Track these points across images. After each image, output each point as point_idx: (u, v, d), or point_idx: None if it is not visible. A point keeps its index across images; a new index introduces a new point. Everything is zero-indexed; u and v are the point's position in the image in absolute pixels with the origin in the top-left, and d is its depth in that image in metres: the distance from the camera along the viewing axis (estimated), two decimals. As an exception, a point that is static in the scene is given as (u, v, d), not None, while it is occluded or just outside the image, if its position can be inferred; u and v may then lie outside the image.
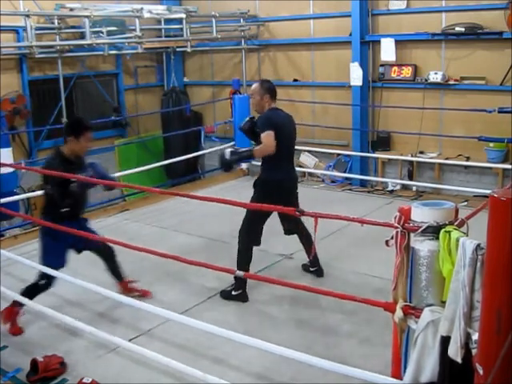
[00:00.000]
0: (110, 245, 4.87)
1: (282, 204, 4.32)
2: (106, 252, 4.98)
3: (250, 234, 5.04)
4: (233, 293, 5.01)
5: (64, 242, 4.55)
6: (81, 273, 5.51)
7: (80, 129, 4.58)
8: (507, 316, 2.03)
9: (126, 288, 5.09)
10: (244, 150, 4.92)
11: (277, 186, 4.90)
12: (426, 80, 8.27)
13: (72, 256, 6.26)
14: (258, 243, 5.09)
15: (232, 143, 4.72)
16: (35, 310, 4.65)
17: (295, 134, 5.35)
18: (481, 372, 2.15)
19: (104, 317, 4.75)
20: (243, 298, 4.99)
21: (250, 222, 5.01)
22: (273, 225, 6.56)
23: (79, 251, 4.89)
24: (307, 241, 5.29)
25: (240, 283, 4.96)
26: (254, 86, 5.11)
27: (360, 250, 6.05)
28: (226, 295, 5.06)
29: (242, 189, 9.05)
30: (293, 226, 5.30)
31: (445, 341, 2.43)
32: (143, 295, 5.07)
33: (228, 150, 4.86)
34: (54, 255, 4.57)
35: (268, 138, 4.76)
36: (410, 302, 2.72)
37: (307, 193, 8.71)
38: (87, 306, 4.94)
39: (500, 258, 2.04)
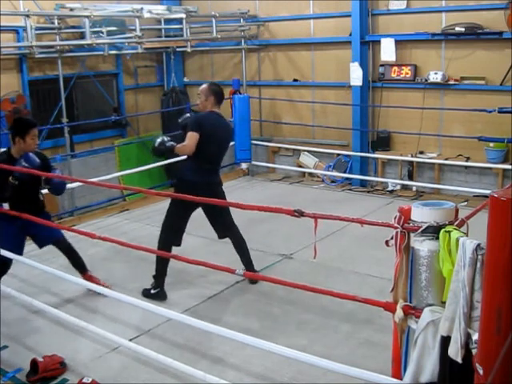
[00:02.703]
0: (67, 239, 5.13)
1: (195, 207, 4.56)
2: (64, 246, 5.16)
3: (168, 233, 5.11)
4: (151, 291, 5.08)
5: (15, 228, 4.72)
6: (81, 273, 5.52)
7: (24, 128, 4.73)
8: (507, 316, 2.03)
9: (90, 279, 5.16)
10: (171, 143, 4.95)
11: (190, 188, 4.61)
12: (426, 80, 8.27)
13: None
14: (177, 243, 5.11)
15: (161, 137, 4.89)
16: (35, 310, 4.66)
17: (227, 142, 5.39)
18: (481, 372, 2.15)
19: (104, 316, 4.75)
20: (162, 296, 5.06)
21: (169, 221, 5.12)
22: (273, 225, 6.58)
23: (40, 245, 5.13)
24: (240, 248, 5.37)
25: (158, 282, 5.06)
26: (203, 86, 5.20)
27: (360, 250, 6.06)
28: (145, 294, 5.10)
29: (241, 189, 9.06)
30: (222, 228, 5.37)
31: (445, 341, 2.43)
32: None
33: (159, 139, 4.98)
34: (7, 240, 4.69)
35: (190, 138, 4.86)
36: (410, 302, 2.72)
37: (307, 193, 8.74)
38: (87, 306, 4.94)
39: (500, 257, 2.04)
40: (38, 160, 4.67)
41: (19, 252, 4.84)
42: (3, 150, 5.17)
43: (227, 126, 5.40)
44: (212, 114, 5.10)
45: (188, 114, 5.22)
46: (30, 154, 4.68)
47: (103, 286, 5.02)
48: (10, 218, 4.59)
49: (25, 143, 4.71)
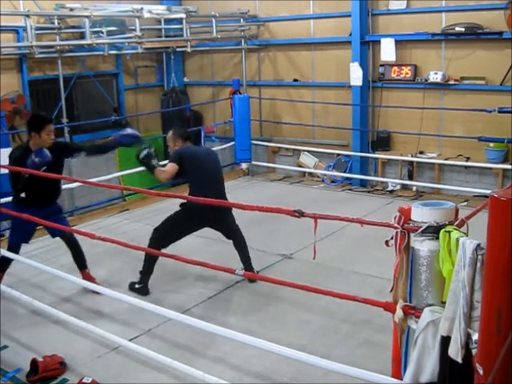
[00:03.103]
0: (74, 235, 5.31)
1: (200, 227, 5.03)
2: (70, 240, 5.32)
3: (163, 238, 5.18)
4: (136, 286, 5.22)
5: (27, 225, 4.93)
6: (81, 273, 5.52)
7: (40, 124, 4.92)
8: (507, 316, 2.03)
9: (87, 278, 5.30)
10: (154, 162, 5.13)
11: (198, 211, 5.01)
12: (426, 80, 8.27)
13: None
14: (166, 246, 5.17)
15: (149, 149, 5.09)
16: (35, 310, 4.66)
17: (216, 164, 5.58)
18: (481, 372, 2.15)
19: (104, 316, 4.75)
20: (145, 291, 5.19)
21: (168, 228, 5.25)
22: (273, 225, 6.58)
23: (52, 235, 5.36)
24: (241, 249, 5.48)
25: (143, 278, 5.21)
26: (168, 135, 5.54)
27: (360, 250, 6.06)
28: (130, 287, 5.25)
29: (241, 189, 9.06)
30: (228, 232, 5.55)
31: (445, 341, 2.43)
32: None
33: (146, 152, 5.12)
34: (19, 225, 5.03)
35: (169, 167, 5.16)
36: (410, 302, 2.72)
37: (307, 193, 8.74)
38: (87, 306, 4.94)
39: (500, 257, 2.04)
40: (48, 155, 4.79)
41: (27, 238, 5.20)
42: (22, 143, 5.56)
43: (211, 152, 5.72)
44: (189, 147, 5.40)
45: (145, 151, 5.18)
46: (43, 150, 4.82)
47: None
48: (26, 204, 4.90)
49: (40, 138, 4.88)
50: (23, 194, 4.99)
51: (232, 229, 5.51)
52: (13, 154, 5.04)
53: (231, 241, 5.57)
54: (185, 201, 5.19)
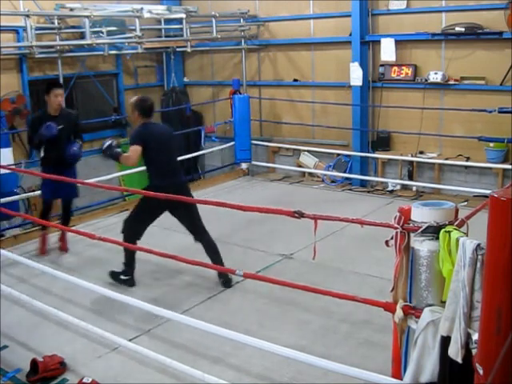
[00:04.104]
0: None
1: (163, 210, 4.87)
2: (68, 205, 6.39)
3: (133, 230, 5.28)
4: (121, 277, 5.32)
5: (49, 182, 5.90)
6: (82, 272, 5.53)
7: (48, 88, 6.11)
8: (507, 316, 2.03)
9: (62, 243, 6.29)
10: (117, 150, 5.21)
11: (158, 191, 4.78)
12: (426, 80, 8.27)
13: (72, 256, 6.29)
14: (139, 238, 5.29)
15: (111, 140, 5.27)
16: (35, 310, 4.66)
17: (175, 143, 5.64)
18: (481, 372, 2.15)
19: (104, 316, 4.75)
20: (130, 283, 5.31)
21: (135, 220, 5.33)
22: (273, 225, 6.58)
23: (62, 200, 6.32)
24: (213, 254, 5.34)
25: (129, 270, 5.32)
26: (131, 100, 5.48)
27: (360, 250, 6.05)
28: (114, 276, 5.33)
29: (241, 189, 9.06)
30: (194, 232, 5.46)
31: (445, 341, 2.43)
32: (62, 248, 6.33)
33: (107, 143, 5.24)
34: (44, 187, 6.22)
35: (133, 151, 5.12)
36: (410, 302, 2.72)
37: (307, 193, 8.74)
38: (87, 306, 4.94)
39: (500, 257, 2.04)
40: (54, 131, 5.76)
41: (51, 194, 6.13)
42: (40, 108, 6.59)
43: (169, 132, 5.63)
44: (148, 125, 5.31)
45: (108, 142, 5.28)
46: (51, 124, 5.77)
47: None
48: (46, 163, 6.00)
49: (50, 100, 6.02)
50: (42, 154, 6.00)
51: (195, 224, 5.41)
52: (31, 116, 6.18)
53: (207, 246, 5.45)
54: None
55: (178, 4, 10.87)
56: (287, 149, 9.96)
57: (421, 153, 8.47)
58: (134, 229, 5.29)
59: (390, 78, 8.64)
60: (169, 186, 4.93)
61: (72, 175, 6.08)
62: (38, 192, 7.59)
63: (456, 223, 2.58)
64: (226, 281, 5.31)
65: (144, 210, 5.29)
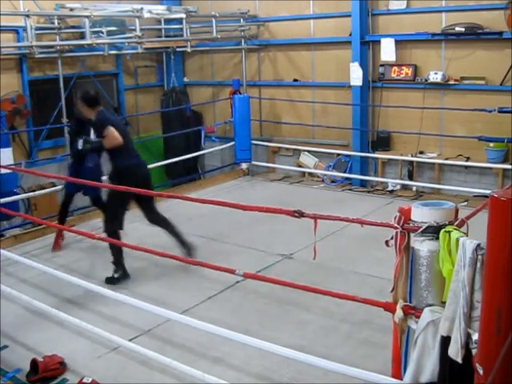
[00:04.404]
0: None
1: (139, 187, 4.80)
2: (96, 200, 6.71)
3: (114, 220, 5.52)
4: (115, 276, 5.43)
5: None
6: (82, 273, 5.53)
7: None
8: (507, 316, 2.03)
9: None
10: (95, 140, 5.50)
11: (134, 172, 5.44)
12: (426, 80, 8.27)
13: (73, 256, 6.29)
14: (121, 227, 5.54)
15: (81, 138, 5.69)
16: (35, 310, 4.66)
17: (125, 126, 6.21)
18: (481, 372, 2.15)
19: (104, 316, 4.75)
20: (125, 276, 5.48)
21: (112, 210, 5.59)
22: (273, 225, 6.58)
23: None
24: (172, 231, 5.75)
25: (118, 267, 5.47)
26: (77, 98, 5.89)
27: (360, 250, 6.05)
28: (110, 281, 5.39)
29: (241, 189, 9.06)
30: (149, 213, 5.79)
31: (445, 341, 2.43)
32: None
33: (80, 141, 5.55)
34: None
35: (112, 132, 5.37)
36: (410, 302, 2.72)
37: (307, 193, 8.74)
38: (87, 306, 4.94)
39: (500, 257, 2.04)
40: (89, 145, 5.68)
41: (76, 189, 6.45)
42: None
43: (116, 116, 6.30)
44: (103, 112, 5.67)
45: (81, 140, 5.64)
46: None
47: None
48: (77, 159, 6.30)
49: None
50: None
51: (153, 206, 5.76)
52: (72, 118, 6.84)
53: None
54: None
55: (178, 4, 10.87)
56: (287, 149, 9.96)
57: (421, 153, 8.47)
58: (114, 223, 5.48)
59: (390, 77, 8.64)
60: (140, 166, 5.51)
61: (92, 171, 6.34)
62: (38, 192, 7.62)
63: (456, 223, 2.58)
64: (189, 251, 5.62)
65: (116, 200, 5.48)
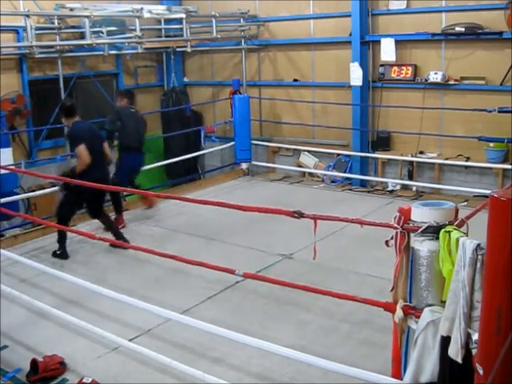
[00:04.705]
0: None
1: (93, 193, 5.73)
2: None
3: (65, 213, 6.20)
4: (57, 252, 6.12)
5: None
6: (83, 273, 5.53)
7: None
8: (507, 316, 2.03)
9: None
10: (69, 173, 6.06)
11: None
12: (426, 80, 8.27)
13: (72, 256, 6.28)
14: (70, 220, 6.33)
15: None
16: (35, 310, 4.67)
17: (99, 135, 6.49)
18: (481, 372, 2.15)
19: (104, 316, 4.75)
20: (64, 256, 6.09)
21: (67, 204, 6.19)
22: (273, 225, 6.58)
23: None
24: (109, 227, 6.47)
25: (61, 245, 6.12)
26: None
27: (360, 250, 6.05)
28: (53, 254, 6.14)
29: (241, 189, 9.06)
30: (95, 212, 6.44)
31: (445, 341, 2.43)
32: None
33: (59, 185, 6.39)
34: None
35: (81, 152, 5.93)
36: (410, 302, 2.72)
37: (307, 193, 8.74)
38: (87, 306, 4.94)
39: (500, 257, 2.04)
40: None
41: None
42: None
43: (93, 127, 6.48)
44: (78, 124, 6.21)
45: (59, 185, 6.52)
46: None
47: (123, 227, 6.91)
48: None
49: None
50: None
51: (101, 207, 6.48)
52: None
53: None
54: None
55: (178, 4, 10.87)
56: (287, 149, 9.96)
57: (421, 153, 8.47)
58: (66, 214, 6.20)
59: (390, 77, 8.64)
60: (99, 175, 5.90)
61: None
62: (38, 192, 7.62)
63: (456, 223, 2.58)
64: (116, 235, 6.25)
65: (74, 196, 6.12)
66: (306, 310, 4.77)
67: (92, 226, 7.08)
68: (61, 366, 3.99)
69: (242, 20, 10.01)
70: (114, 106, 8.03)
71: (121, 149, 7.40)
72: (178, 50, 10.61)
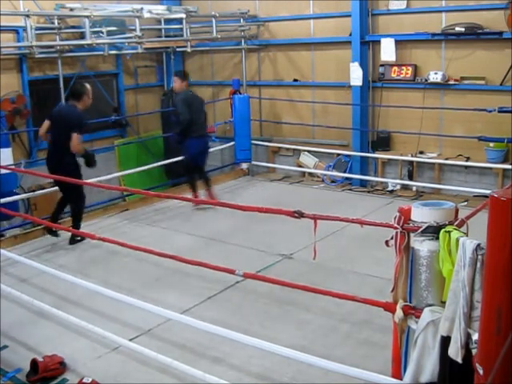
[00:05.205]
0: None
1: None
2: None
3: (82, 198, 6.59)
4: (76, 238, 6.46)
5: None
6: (82, 272, 5.54)
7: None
8: (507, 316, 2.03)
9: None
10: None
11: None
12: (426, 80, 8.27)
13: (72, 256, 6.29)
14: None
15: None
16: (35, 310, 4.67)
17: (64, 123, 6.44)
18: (481, 372, 2.15)
19: (104, 316, 4.75)
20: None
21: (80, 190, 6.50)
22: (273, 225, 6.58)
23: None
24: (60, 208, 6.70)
25: (78, 227, 6.49)
26: None
27: (360, 250, 6.05)
28: (71, 242, 6.47)
29: (241, 189, 9.06)
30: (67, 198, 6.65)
31: (445, 341, 2.43)
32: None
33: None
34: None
35: (74, 140, 6.19)
36: (410, 302, 2.72)
37: (307, 193, 8.74)
38: (87, 306, 4.94)
39: (500, 257, 2.04)
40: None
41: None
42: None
43: (62, 113, 6.54)
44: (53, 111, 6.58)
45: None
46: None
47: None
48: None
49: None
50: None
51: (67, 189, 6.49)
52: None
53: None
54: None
55: (178, 4, 10.87)
56: (287, 149, 9.96)
57: (421, 153, 8.47)
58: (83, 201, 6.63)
59: (390, 77, 8.64)
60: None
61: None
62: (38, 192, 7.62)
63: (456, 223, 2.58)
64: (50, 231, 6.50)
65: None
66: (306, 310, 4.77)
67: (91, 226, 7.09)
68: (61, 366, 3.99)
69: (241, 20, 10.01)
70: (174, 92, 8.10)
71: (187, 134, 7.51)
72: (178, 50, 10.60)
